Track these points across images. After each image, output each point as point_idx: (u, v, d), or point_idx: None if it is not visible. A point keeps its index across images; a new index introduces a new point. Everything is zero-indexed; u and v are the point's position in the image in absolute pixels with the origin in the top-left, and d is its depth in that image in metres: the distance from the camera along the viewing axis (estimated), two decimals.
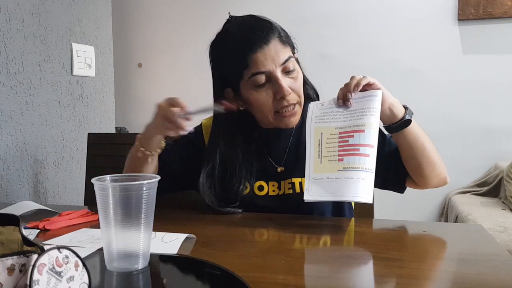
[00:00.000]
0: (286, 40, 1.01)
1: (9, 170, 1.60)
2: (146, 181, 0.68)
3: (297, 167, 1.05)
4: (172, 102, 0.93)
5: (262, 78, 0.97)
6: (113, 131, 2.22)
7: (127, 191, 0.67)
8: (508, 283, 0.64)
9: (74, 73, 1.89)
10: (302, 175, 1.03)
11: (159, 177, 0.71)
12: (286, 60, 0.98)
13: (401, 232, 0.96)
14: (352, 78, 0.97)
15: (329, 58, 2.67)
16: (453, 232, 0.98)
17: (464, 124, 2.50)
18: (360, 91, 0.95)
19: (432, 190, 2.64)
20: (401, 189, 1.08)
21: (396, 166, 1.03)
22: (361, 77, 0.96)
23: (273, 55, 0.97)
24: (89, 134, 1.54)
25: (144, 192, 0.67)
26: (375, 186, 0.93)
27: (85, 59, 1.94)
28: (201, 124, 1.16)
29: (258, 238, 0.91)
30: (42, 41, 1.73)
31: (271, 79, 0.98)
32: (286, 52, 0.99)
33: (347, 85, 0.96)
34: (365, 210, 1.25)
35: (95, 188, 0.68)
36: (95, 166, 1.48)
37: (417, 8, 2.55)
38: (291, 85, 0.99)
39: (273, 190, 1.07)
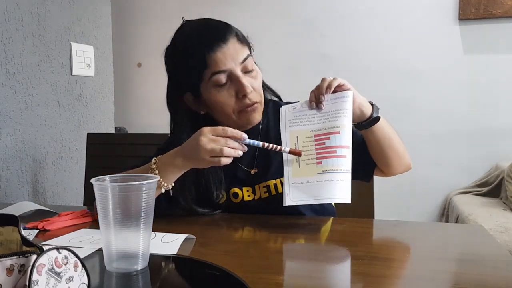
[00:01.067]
0: (243, 39, 1.01)
1: (8, 170, 1.60)
2: (145, 182, 0.68)
3: (270, 169, 1.05)
4: (218, 132, 0.88)
5: (222, 78, 0.96)
6: (113, 131, 2.22)
7: (126, 192, 0.66)
8: (509, 284, 0.64)
9: (74, 73, 1.89)
10: (276, 177, 1.04)
11: (158, 177, 0.71)
12: (245, 59, 0.98)
13: (401, 233, 0.96)
14: (323, 80, 0.97)
15: (329, 58, 2.67)
16: (454, 232, 0.97)
17: (464, 124, 2.50)
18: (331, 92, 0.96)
19: (433, 191, 2.65)
20: (368, 179, 1.09)
21: (365, 157, 1.04)
22: (332, 78, 0.96)
23: (232, 53, 0.96)
24: (88, 134, 1.54)
25: (144, 192, 0.67)
26: None
27: (84, 59, 1.94)
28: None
29: (258, 239, 0.91)
30: (41, 41, 1.72)
31: (232, 78, 0.97)
32: (244, 51, 0.99)
33: (318, 88, 0.97)
34: (365, 210, 1.25)
35: (95, 189, 0.67)
36: (94, 166, 1.48)
37: (418, 8, 2.54)
38: (252, 84, 0.99)
39: (248, 195, 1.07)
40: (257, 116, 1.03)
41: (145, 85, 3.03)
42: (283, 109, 1.02)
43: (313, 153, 0.94)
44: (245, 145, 0.91)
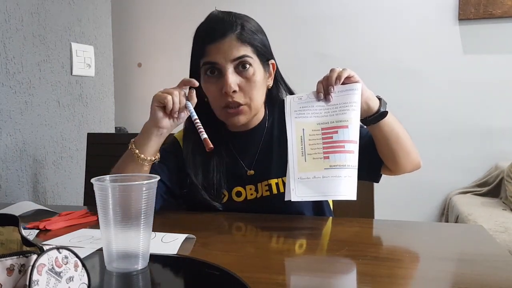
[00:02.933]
0: (246, 39, 1.00)
1: (9, 170, 1.60)
2: (145, 181, 0.68)
3: (271, 168, 1.05)
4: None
5: (212, 69, 1.00)
6: (113, 131, 2.22)
7: (126, 191, 0.66)
8: (509, 284, 0.64)
9: (74, 73, 1.89)
10: (278, 176, 1.04)
11: (158, 177, 0.71)
12: (239, 58, 0.98)
13: (401, 233, 0.96)
14: (332, 70, 0.95)
15: (329, 58, 2.67)
16: (454, 232, 0.97)
17: (464, 124, 2.50)
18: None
19: (433, 191, 2.65)
20: (376, 178, 1.08)
21: (371, 156, 1.03)
22: (341, 69, 0.94)
23: (226, 49, 0.98)
24: (88, 134, 1.54)
25: (144, 192, 0.67)
26: None
27: (84, 59, 1.94)
28: (175, 137, 1.15)
29: (258, 238, 0.91)
30: (42, 41, 1.72)
31: (221, 73, 0.99)
32: (242, 50, 0.99)
33: (327, 78, 0.95)
34: (365, 210, 1.25)
35: (95, 188, 0.67)
36: (94, 166, 1.48)
37: (418, 8, 2.54)
38: (242, 84, 0.99)
39: (251, 194, 1.06)
40: (242, 119, 1.03)
41: (145, 85, 3.03)
42: (288, 99, 0.99)
43: (320, 147, 0.91)
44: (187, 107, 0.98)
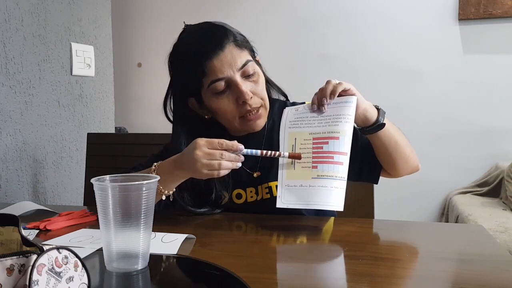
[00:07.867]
0: (242, 43, 1.00)
1: (8, 170, 1.60)
2: (145, 182, 0.68)
3: (272, 170, 1.05)
4: (214, 145, 0.88)
5: (221, 85, 0.97)
6: (113, 131, 2.22)
7: (126, 191, 0.66)
8: (509, 284, 0.64)
9: (74, 73, 1.88)
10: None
11: (158, 177, 0.71)
12: (244, 64, 0.98)
13: (401, 232, 0.96)
14: (327, 82, 0.95)
15: (329, 58, 2.67)
16: (454, 232, 0.97)
17: (464, 124, 2.50)
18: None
19: (433, 191, 2.65)
20: (375, 180, 1.08)
21: (371, 159, 1.03)
22: (337, 82, 0.94)
23: (230, 60, 0.96)
24: (88, 134, 1.54)
25: (144, 192, 0.67)
26: (349, 179, 0.92)
27: (84, 59, 1.94)
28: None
29: (258, 239, 0.91)
30: (42, 41, 1.72)
31: (231, 84, 0.97)
32: (243, 56, 0.98)
33: (322, 90, 0.95)
34: (365, 210, 1.25)
35: (95, 188, 0.67)
36: (94, 166, 1.48)
37: (418, 7, 2.55)
38: (253, 89, 0.99)
39: (251, 196, 1.06)
40: (261, 122, 1.03)
41: (145, 85, 3.03)
42: (286, 110, 1.01)
43: (309, 156, 0.92)
44: (243, 155, 0.90)
